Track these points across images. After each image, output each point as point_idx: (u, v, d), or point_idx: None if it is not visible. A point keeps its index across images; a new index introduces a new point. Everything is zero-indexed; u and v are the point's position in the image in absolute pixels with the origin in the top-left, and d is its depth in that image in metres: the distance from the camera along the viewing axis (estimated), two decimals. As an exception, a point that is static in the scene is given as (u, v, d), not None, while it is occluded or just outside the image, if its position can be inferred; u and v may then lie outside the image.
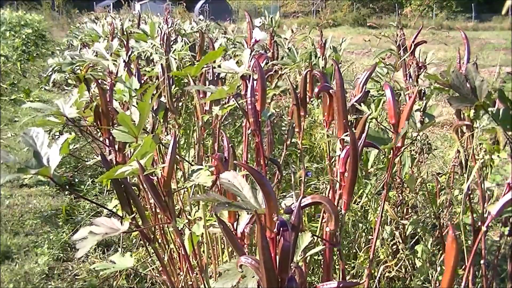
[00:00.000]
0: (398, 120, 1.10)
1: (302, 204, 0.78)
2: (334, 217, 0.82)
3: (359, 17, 26.85)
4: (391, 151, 1.13)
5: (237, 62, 1.41)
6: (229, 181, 0.79)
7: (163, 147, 1.60)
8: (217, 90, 1.22)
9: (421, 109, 1.28)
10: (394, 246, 1.70)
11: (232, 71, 1.35)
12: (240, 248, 0.82)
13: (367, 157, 1.67)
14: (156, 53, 2.06)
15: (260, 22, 2.67)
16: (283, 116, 2.65)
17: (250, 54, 1.31)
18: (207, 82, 1.73)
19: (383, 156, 1.82)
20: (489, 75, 7.53)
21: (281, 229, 0.66)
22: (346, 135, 1.06)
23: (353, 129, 1.19)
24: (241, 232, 1.00)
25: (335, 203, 1.02)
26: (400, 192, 1.77)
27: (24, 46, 9.90)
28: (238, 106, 1.23)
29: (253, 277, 0.68)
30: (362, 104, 1.19)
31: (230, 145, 1.09)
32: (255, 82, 1.14)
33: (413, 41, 1.87)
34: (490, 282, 1.22)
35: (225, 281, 0.71)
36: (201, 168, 1.13)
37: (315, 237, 1.01)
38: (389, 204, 1.73)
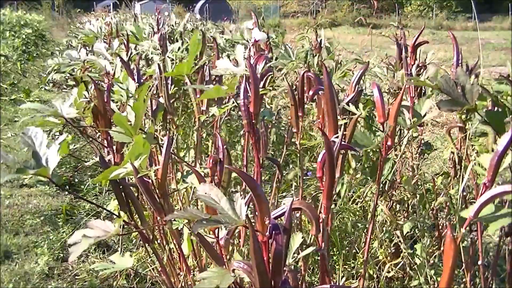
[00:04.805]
0: (386, 119, 1.10)
1: (283, 211, 0.77)
2: (315, 222, 0.82)
3: (359, 17, 26.80)
4: (380, 151, 1.13)
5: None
6: (205, 193, 0.77)
7: (161, 148, 1.59)
8: (214, 88, 1.21)
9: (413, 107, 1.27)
10: (393, 247, 1.70)
11: (229, 71, 1.34)
12: (218, 258, 0.82)
13: (349, 162, 1.66)
14: (154, 54, 2.06)
15: (253, 24, 2.67)
16: (282, 116, 2.65)
17: (254, 53, 1.30)
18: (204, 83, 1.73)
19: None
20: (489, 75, 7.53)
21: (273, 232, 0.66)
22: (337, 137, 1.06)
23: (343, 131, 1.19)
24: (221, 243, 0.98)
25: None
26: (391, 192, 1.77)
27: (24, 46, 9.91)
28: (238, 105, 1.22)
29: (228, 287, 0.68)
30: (355, 103, 1.19)
31: (224, 146, 1.09)
32: (248, 83, 1.13)
33: (414, 42, 1.88)
34: (489, 282, 1.22)
35: (200, 288, 0.71)
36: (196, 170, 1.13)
37: (310, 238, 1.00)
38: (387, 204, 1.73)
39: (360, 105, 1.18)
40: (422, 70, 1.87)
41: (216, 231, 0.98)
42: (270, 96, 2.54)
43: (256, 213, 0.69)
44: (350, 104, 1.20)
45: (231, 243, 1.01)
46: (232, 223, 0.72)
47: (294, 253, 0.87)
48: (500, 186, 0.75)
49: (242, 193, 1.18)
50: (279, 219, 0.78)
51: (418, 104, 1.27)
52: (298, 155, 1.53)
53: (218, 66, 1.40)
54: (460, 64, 1.43)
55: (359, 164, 1.68)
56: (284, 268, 0.67)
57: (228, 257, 0.97)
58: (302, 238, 0.88)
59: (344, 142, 1.11)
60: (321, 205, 0.96)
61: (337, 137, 1.02)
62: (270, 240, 0.66)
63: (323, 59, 2.06)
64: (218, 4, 27.39)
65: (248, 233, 0.71)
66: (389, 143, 1.09)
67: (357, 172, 1.69)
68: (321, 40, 2.11)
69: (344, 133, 1.15)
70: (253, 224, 0.67)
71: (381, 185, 1.74)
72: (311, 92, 1.21)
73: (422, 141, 1.87)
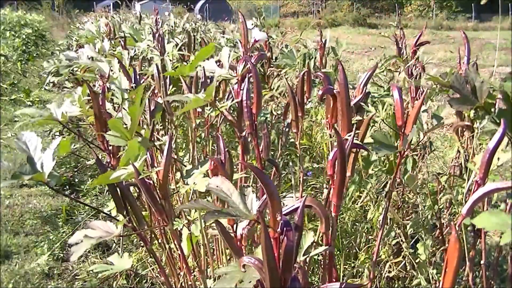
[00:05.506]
0: (405, 122, 1.10)
1: (292, 208, 0.77)
2: (325, 220, 0.82)
3: (359, 17, 26.84)
4: (398, 154, 1.12)
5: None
6: (217, 186, 0.77)
7: (159, 149, 1.59)
8: (192, 99, 1.19)
9: (426, 110, 1.27)
10: (395, 246, 1.70)
11: (213, 72, 1.33)
12: (238, 250, 0.82)
13: (368, 159, 1.67)
14: (154, 54, 2.06)
15: (252, 24, 2.66)
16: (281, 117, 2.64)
17: (243, 53, 1.30)
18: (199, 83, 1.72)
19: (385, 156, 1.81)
20: (489, 75, 7.53)
21: (285, 229, 0.66)
22: (350, 135, 1.06)
23: (355, 130, 1.19)
24: (240, 234, 0.99)
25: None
26: (401, 192, 1.77)
27: (24, 46, 9.90)
28: (221, 112, 1.20)
29: (250, 282, 0.68)
30: (363, 105, 1.18)
31: (226, 149, 1.08)
32: (250, 84, 1.13)
33: (416, 42, 1.87)
34: (490, 282, 1.22)
35: (222, 284, 0.71)
36: (196, 171, 1.12)
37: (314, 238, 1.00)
38: (395, 204, 1.73)
39: (380, 107, 1.17)
40: (420, 70, 1.87)
41: (234, 226, 0.98)
42: (269, 96, 2.54)
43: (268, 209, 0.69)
44: (361, 104, 1.19)
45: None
46: (243, 217, 0.73)
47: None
48: (492, 183, 0.75)
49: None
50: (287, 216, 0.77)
51: (437, 108, 1.27)
52: (298, 155, 1.53)
53: (205, 66, 1.40)
54: (469, 63, 1.43)
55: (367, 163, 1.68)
56: (294, 265, 0.67)
57: (247, 250, 0.97)
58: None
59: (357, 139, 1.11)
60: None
61: (350, 135, 1.02)
62: (281, 237, 0.66)
63: (326, 59, 2.06)
64: (218, 4, 27.41)
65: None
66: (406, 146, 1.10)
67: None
68: (325, 41, 2.11)
69: (357, 132, 1.15)
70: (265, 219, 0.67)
71: (382, 185, 1.74)
72: (319, 92, 1.20)
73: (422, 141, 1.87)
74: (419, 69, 1.85)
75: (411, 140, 1.14)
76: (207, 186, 0.78)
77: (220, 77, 1.34)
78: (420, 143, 1.82)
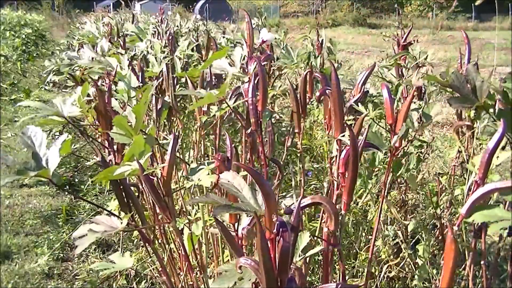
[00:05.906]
0: (395, 120, 1.11)
1: (302, 205, 0.78)
2: (334, 217, 0.82)
3: (359, 17, 26.86)
4: (389, 152, 1.13)
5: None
6: (228, 181, 0.78)
7: (162, 147, 1.59)
8: (206, 95, 1.20)
9: (421, 109, 1.28)
10: (396, 246, 1.70)
11: (224, 70, 1.34)
12: (238, 250, 0.82)
13: (374, 157, 1.67)
14: (153, 54, 2.06)
15: (254, 24, 2.66)
16: (282, 117, 2.65)
17: (248, 54, 1.30)
18: (204, 83, 1.73)
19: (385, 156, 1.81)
20: (489, 75, 7.52)
21: (281, 229, 0.66)
22: (343, 136, 1.06)
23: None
24: (241, 233, 0.99)
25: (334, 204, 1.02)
26: (403, 192, 1.77)
27: (24, 46, 9.91)
28: (231, 109, 1.21)
29: (250, 280, 0.68)
30: (360, 104, 1.19)
31: (232, 145, 1.09)
32: (256, 82, 1.13)
33: (404, 41, 1.89)
34: (490, 282, 1.22)
35: (222, 282, 0.71)
36: (202, 168, 1.13)
37: (315, 237, 1.00)
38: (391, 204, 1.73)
39: (370, 106, 1.18)
40: (417, 69, 1.87)
41: (236, 224, 0.98)
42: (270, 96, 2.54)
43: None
44: (359, 104, 1.20)
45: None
46: (253, 212, 0.73)
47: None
48: (491, 183, 0.75)
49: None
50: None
51: (426, 106, 1.27)
52: (299, 155, 1.53)
53: (214, 65, 1.40)
54: (469, 62, 1.43)
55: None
56: (291, 266, 0.67)
57: (247, 250, 0.98)
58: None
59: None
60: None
61: (343, 135, 1.02)
62: (277, 238, 0.66)
63: (324, 59, 2.06)
64: (218, 4, 27.41)
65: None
66: (397, 144, 1.10)
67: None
68: (322, 40, 2.11)
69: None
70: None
71: (380, 184, 1.74)
72: (317, 93, 1.21)
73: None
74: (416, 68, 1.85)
75: (403, 137, 1.14)
76: (219, 181, 0.78)
77: (232, 76, 1.34)
78: (427, 141, 1.82)
